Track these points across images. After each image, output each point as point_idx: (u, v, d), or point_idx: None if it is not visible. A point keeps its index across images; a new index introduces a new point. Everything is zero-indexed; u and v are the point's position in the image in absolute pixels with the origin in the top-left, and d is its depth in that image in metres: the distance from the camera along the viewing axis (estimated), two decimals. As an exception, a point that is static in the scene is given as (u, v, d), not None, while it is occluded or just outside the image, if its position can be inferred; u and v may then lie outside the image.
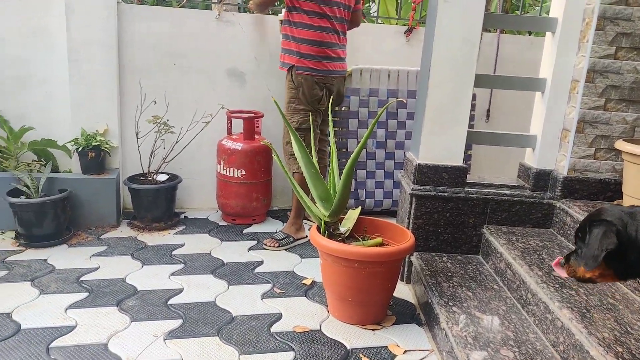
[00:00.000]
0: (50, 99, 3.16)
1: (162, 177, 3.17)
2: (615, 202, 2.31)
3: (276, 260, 2.72)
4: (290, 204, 3.23)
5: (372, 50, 3.50)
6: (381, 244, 2.20)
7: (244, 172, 3.13)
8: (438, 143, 2.44)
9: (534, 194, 2.48)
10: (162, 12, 3.28)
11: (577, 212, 2.26)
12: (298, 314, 2.18)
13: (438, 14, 2.30)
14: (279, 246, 2.88)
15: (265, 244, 2.90)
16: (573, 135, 2.37)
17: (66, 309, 2.12)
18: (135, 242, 2.87)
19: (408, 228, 2.45)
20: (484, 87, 2.75)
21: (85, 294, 2.25)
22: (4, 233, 2.88)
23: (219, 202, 3.33)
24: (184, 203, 3.48)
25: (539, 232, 2.42)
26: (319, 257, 2.21)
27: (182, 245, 2.87)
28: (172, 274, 2.50)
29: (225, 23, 3.28)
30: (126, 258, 2.66)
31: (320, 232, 2.16)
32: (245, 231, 3.14)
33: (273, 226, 3.24)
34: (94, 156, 2.99)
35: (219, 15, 3.25)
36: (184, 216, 3.35)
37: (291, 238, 2.95)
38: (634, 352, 1.44)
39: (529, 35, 4.36)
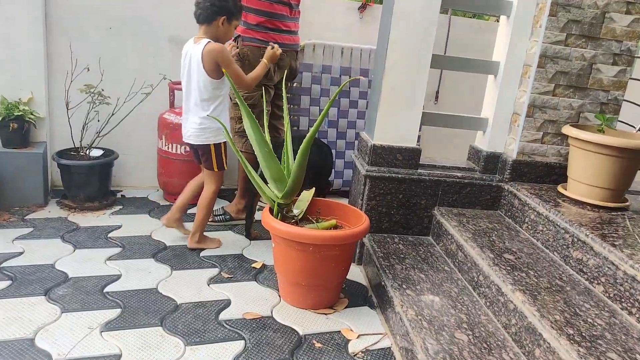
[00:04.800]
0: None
1: (96, 153, 2.91)
2: (560, 185, 2.38)
3: (224, 243, 2.58)
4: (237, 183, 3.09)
5: (325, 26, 3.38)
6: (335, 227, 2.13)
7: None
8: (393, 124, 2.39)
9: (484, 177, 2.50)
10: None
11: (524, 194, 2.30)
12: (248, 300, 2.08)
13: (397, -10, 2.21)
14: (211, 220, 2.74)
15: None
16: (523, 119, 2.40)
17: (-15, 300, 1.89)
18: (65, 224, 2.62)
19: (361, 209, 2.40)
20: (439, 68, 2.73)
21: (7, 282, 2.02)
22: None
23: (160, 180, 3.12)
24: (121, 181, 3.24)
25: (488, 214, 2.45)
26: (269, 239, 2.11)
27: (120, 226, 2.66)
28: (109, 259, 2.31)
29: (167, -14, 3.03)
30: (55, 241, 2.42)
31: (272, 215, 2.06)
32: (190, 211, 2.96)
33: (218, 205, 3.08)
34: (17, 127, 2.69)
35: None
36: (121, 195, 3.12)
37: (228, 216, 2.83)
38: (584, 334, 1.48)
39: (476, 18, 4.41)
